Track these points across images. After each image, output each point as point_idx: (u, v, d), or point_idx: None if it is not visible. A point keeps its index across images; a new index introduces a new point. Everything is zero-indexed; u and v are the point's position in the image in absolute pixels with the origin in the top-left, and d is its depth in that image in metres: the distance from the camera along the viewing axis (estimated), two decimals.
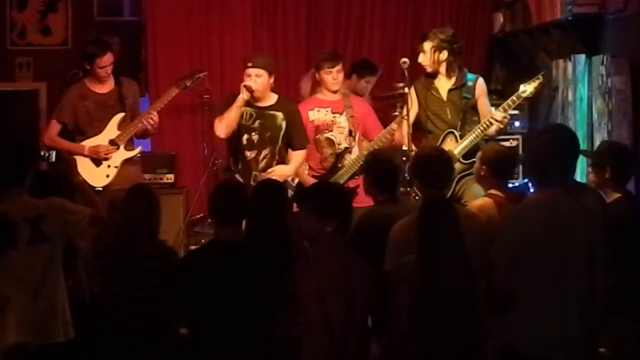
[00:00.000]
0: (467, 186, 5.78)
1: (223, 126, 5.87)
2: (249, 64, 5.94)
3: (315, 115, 6.33)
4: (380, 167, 4.91)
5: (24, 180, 4.06)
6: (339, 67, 6.32)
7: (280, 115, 5.95)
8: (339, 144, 6.33)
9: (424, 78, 6.12)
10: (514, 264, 3.75)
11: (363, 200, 6.27)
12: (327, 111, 6.33)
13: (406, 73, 5.98)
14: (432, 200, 3.97)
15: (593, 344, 3.84)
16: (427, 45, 6.00)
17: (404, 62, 6.00)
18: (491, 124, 5.87)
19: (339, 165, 6.29)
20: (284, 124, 5.95)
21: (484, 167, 4.97)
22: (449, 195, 5.60)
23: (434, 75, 6.06)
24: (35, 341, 3.95)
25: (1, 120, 7.88)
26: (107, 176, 6.24)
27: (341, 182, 6.16)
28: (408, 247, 3.89)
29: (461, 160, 5.88)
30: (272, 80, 5.98)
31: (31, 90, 8.32)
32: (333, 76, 6.29)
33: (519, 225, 3.80)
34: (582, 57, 6.63)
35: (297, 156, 6.04)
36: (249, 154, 5.93)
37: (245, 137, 5.91)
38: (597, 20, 6.44)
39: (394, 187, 4.90)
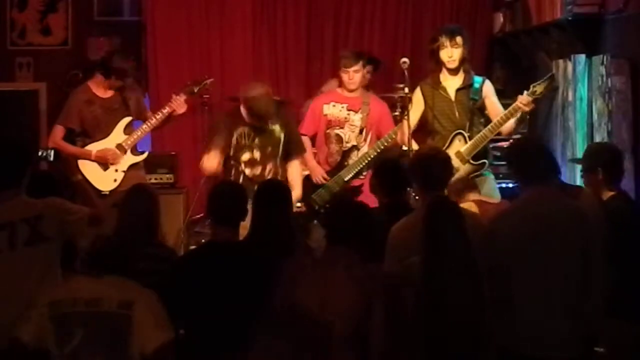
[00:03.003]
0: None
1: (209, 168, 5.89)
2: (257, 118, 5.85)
3: (330, 109, 6.40)
4: (388, 170, 4.94)
5: (21, 181, 4.05)
6: (356, 67, 6.36)
7: (277, 128, 5.94)
8: (347, 142, 6.36)
9: (430, 78, 6.10)
10: (507, 266, 3.77)
11: (366, 202, 6.29)
12: (342, 107, 6.37)
13: (406, 73, 5.98)
14: (437, 201, 3.96)
15: (587, 344, 3.85)
16: (460, 40, 5.99)
17: (404, 62, 6.00)
18: (505, 120, 5.78)
19: (345, 163, 6.31)
20: (282, 136, 5.95)
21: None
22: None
23: (454, 70, 6.00)
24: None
25: (1, 120, 7.87)
26: (115, 180, 6.29)
27: (345, 179, 6.20)
28: (409, 249, 3.88)
29: (471, 161, 5.86)
30: None
31: (31, 90, 8.31)
32: (349, 76, 6.34)
33: (507, 229, 3.82)
34: (582, 57, 6.63)
35: (296, 169, 6.06)
36: (251, 172, 5.92)
37: (246, 155, 5.90)
38: (597, 20, 6.44)
39: (403, 190, 4.93)
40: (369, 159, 6.21)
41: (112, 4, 8.43)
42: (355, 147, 6.37)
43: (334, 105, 6.39)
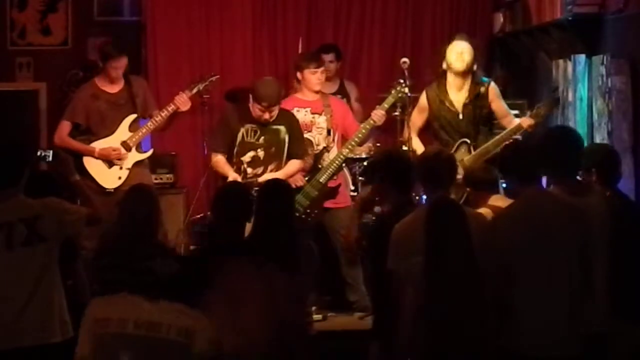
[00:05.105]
0: None
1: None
2: (265, 104, 5.88)
3: (296, 115, 6.33)
4: (400, 166, 4.90)
5: (18, 181, 4.05)
6: (323, 67, 6.42)
7: (282, 129, 5.99)
8: (317, 145, 6.36)
9: (437, 87, 6.09)
10: (507, 267, 3.78)
11: (342, 201, 6.32)
12: (306, 111, 6.37)
13: (406, 73, 5.99)
14: (440, 201, 3.97)
15: (590, 343, 3.85)
16: (469, 46, 6.01)
17: (404, 62, 6.02)
18: (507, 138, 5.83)
19: (319, 165, 6.30)
20: (286, 138, 6.00)
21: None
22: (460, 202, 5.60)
23: (460, 75, 5.99)
24: (32, 342, 3.94)
25: (1, 120, 7.88)
26: (119, 178, 6.32)
27: (322, 182, 6.18)
28: (412, 247, 3.88)
29: None
30: None
31: (31, 90, 8.31)
32: (317, 76, 6.34)
33: (507, 230, 3.83)
34: (582, 57, 6.62)
35: (291, 164, 6.10)
36: (253, 171, 5.94)
37: (250, 154, 5.94)
38: (597, 20, 6.43)
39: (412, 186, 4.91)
40: (343, 158, 6.24)
41: (112, 4, 8.43)
42: (326, 149, 6.37)
43: (297, 111, 6.34)
